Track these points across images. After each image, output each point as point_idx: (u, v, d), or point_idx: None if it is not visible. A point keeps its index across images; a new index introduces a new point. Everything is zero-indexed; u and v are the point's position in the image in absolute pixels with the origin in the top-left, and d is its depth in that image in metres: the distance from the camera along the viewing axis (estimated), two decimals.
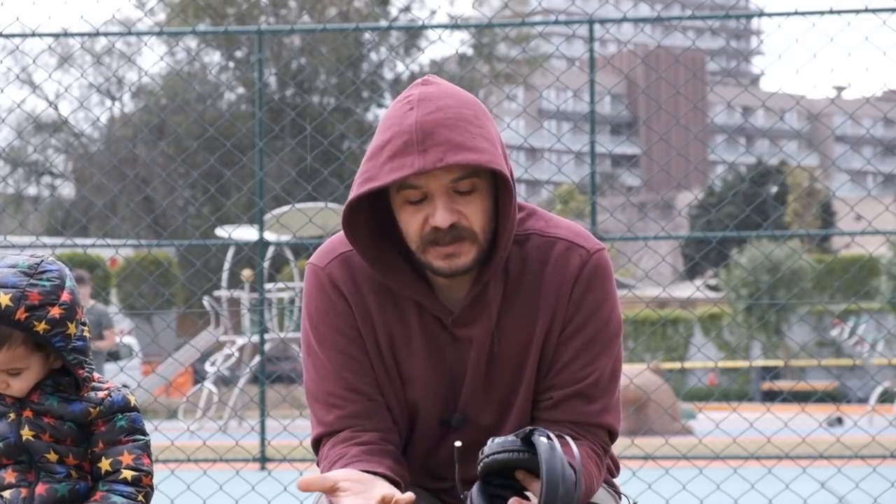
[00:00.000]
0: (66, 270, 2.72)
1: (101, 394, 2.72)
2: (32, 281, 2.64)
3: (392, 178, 2.46)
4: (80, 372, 2.68)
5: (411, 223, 2.52)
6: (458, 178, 2.49)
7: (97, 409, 2.70)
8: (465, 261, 2.52)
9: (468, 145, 2.47)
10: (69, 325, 2.66)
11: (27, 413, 2.70)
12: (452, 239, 2.50)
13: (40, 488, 2.66)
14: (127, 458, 2.68)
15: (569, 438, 2.37)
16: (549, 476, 2.27)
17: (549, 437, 2.32)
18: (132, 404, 2.73)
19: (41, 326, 2.63)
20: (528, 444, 2.34)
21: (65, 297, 2.66)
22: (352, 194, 2.52)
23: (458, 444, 2.39)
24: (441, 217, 2.48)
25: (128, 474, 2.68)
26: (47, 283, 2.65)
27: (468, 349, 2.61)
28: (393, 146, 2.47)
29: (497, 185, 2.55)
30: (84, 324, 2.71)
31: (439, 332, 2.62)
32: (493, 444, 2.35)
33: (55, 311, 2.64)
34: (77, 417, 2.69)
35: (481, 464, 2.35)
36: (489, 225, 2.53)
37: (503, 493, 2.36)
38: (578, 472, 2.31)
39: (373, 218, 2.60)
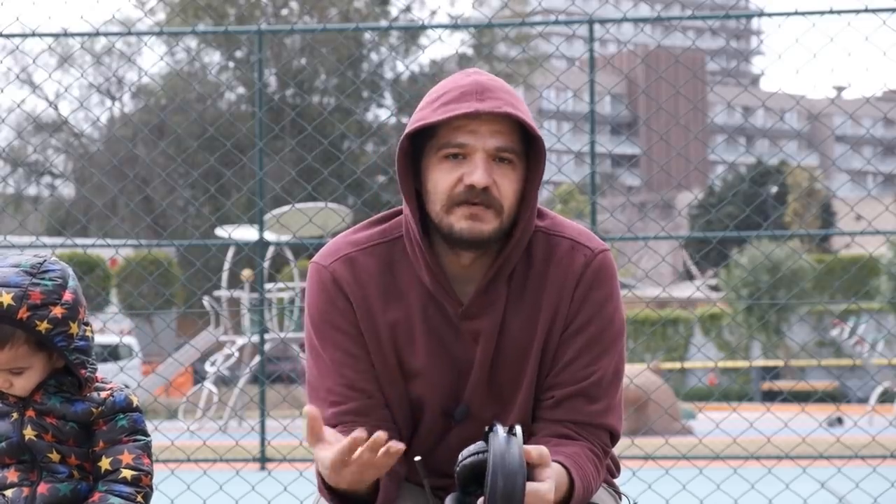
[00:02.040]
0: (69, 270, 2.72)
1: (103, 394, 2.72)
2: (35, 280, 2.65)
3: (448, 115, 2.51)
4: (83, 372, 2.69)
5: (444, 180, 2.55)
6: (502, 148, 2.54)
7: (99, 408, 2.70)
8: (487, 228, 2.54)
9: (522, 111, 2.55)
10: (71, 324, 2.66)
11: (30, 413, 2.70)
12: (483, 203, 2.53)
13: (42, 488, 2.67)
14: (127, 458, 2.68)
15: (518, 427, 2.35)
16: (493, 463, 2.27)
17: (507, 431, 2.32)
18: (134, 405, 2.74)
19: (43, 326, 2.63)
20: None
21: (67, 296, 2.67)
22: (403, 135, 2.56)
23: (417, 458, 2.39)
24: (480, 176, 2.51)
25: (127, 474, 2.69)
26: (49, 283, 2.66)
27: (474, 344, 2.62)
28: (448, 96, 2.54)
29: (529, 178, 2.59)
30: (87, 324, 2.71)
31: (444, 328, 2.63)
32: (466, 451, 2.36)
33: (57, 311, 2.64)
34: (80, 417, 2.69)
35: (455, 473, 2.36)
36: (514, 207, 2.57)
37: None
38: (522, 457, 2.29)
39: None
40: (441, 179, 2.55)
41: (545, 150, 2.56)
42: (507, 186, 2.54)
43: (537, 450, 2.35)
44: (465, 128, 2.53)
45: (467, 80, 2.56)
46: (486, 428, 2.35)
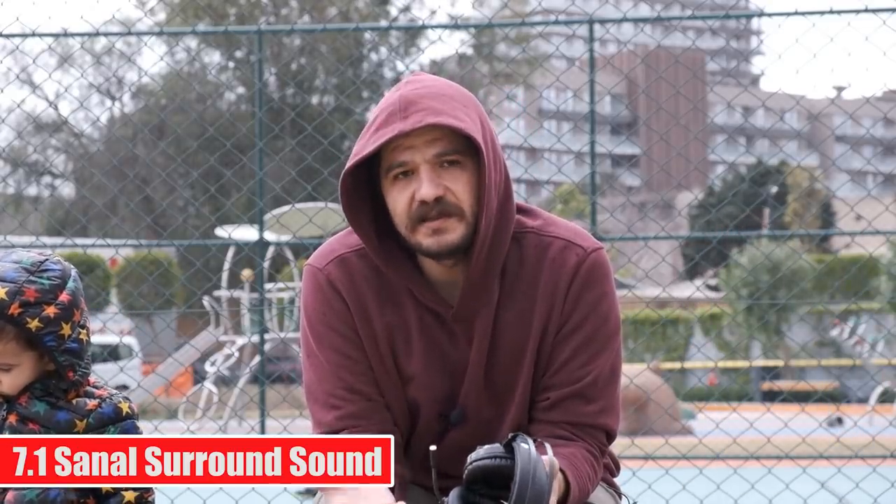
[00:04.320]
0: (72, 272, 2.69)
1: (90, 404, 2.68)
2: (32, 278, 2.63)
3: (376, 145, 2.49)
4: (70, 374, 2.65)
5: (399, 201, 2.54)
6: (442, 153, 2.52)
7: (84, 421, 2.66)
8: (453, 237, 2.53)
9: (449, 113, 2.50)
10: (63, 325, 2.63)
11: (12, 418, 2.67)
12: (439, 214, 2.52)
13: (9, 495, 2.63)
14: None
15: (547, 445, 2.37)
16: (520, 480, 2.28)
17: (529, 443, 2.33)
18: (124, 413, 2.70)
19: (34, 324, 2.61)
20: (511, 450, 2.34)
21: (63, 297, 2.64)
22: (343, 172, 2.56)
23: (433, 448, 2.40)
24: (426, 189, 2.50)
25: (130, 496, 2.67)
26: (46, 282, 2.64)
27: (468, 345, 2.62)
28: (378, 121, 2.53)
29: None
30: (83, 327, 2.68)
31: (438, 330, 2.62)
32: (479, 451, 2.36)
33: (50, 310, 2.62)
34: (62, 428, 2.65)
35: (466, 470, 2.36)
36: (476, 205, 2.54)
37: (483, 501, 2.36)
38: (550, 478, 2.31)
39: (374, 217, 2.62)
40: (397, 201, 2.54)
41: (480, 145, 2.51)
42: (459, 188, 2.53)
43: (550, 462, 2.35)
44: (402, 146, 2.52)
45: (395, 96, 2.54)
46: (510, 435, 2.35)
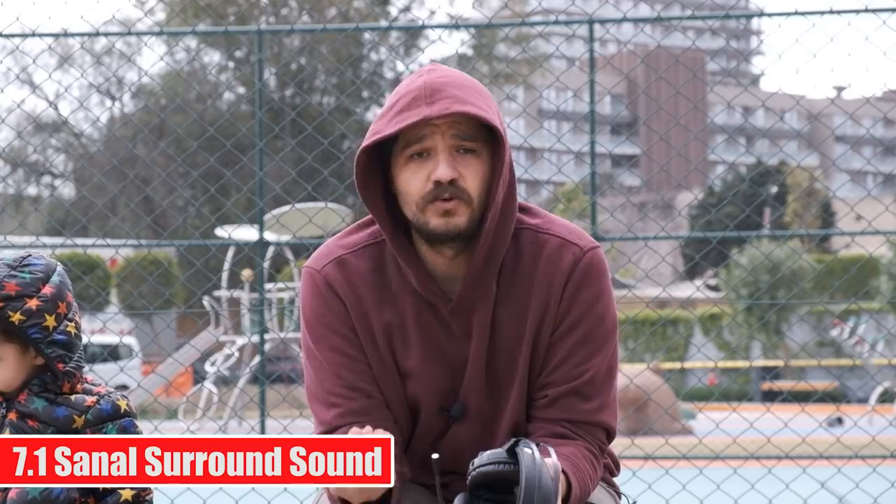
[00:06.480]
0: (58, 267, 2.72)
1: (88, 400, 2.69)
2: (13, 273, 2.66)
3: (399, 127, 2.52)
4: (60, 366, 2.67)
5: (413, 181, 2.56)
6: (462, 137, 2.54)
7: (82, 417, 2.67)
8: (460, 221, 2.54)
9: (473, 102, 2.54)
10: (47, 317, 2.65)
11: (12, 415, 2.68)
12: (452, 196, 2.54)
13: (12, 493, 2.64)
14: None
15: (550, 448, 2.38)
16: (527, 486, 2.28)
17: (533, 448, 2.33)
18: (122, 410, 2.71)
19: (16, 317, 2.63)
20: (514, 455, 2.34)
21: (46, 290, 2.66)
22: (359, 150, 2.57)
23: (435, 456, 2.40)
24: (443, 170, 2.53)
25: (127, 494, 2.67)
26: (28, 276, 2.66)
27: (467, 342, 2.63)
28: (401, 104, 2.55)
29: (494, 166, 2.58)
30: (71, 320, 2.69)
31: (436, 326, 2.63)
32: (482, 457, 2.36)
33: (32, 303, 2.64)
34: (61, 425, 2.66)
35: (469, 476, 2.36)
36: (482, 196, 2.57)
37: None
38: (556, 482, 2.32)
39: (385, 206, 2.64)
40: (410, 181, 2.56)
41: (502, 137, 2.56)
42: (471, 176, 2.55)
43: (553, 465, 2.35)
44: (422, 127, 2.55)
45: (418, 82, 2.57)
46: (513, 441, 2.36)
